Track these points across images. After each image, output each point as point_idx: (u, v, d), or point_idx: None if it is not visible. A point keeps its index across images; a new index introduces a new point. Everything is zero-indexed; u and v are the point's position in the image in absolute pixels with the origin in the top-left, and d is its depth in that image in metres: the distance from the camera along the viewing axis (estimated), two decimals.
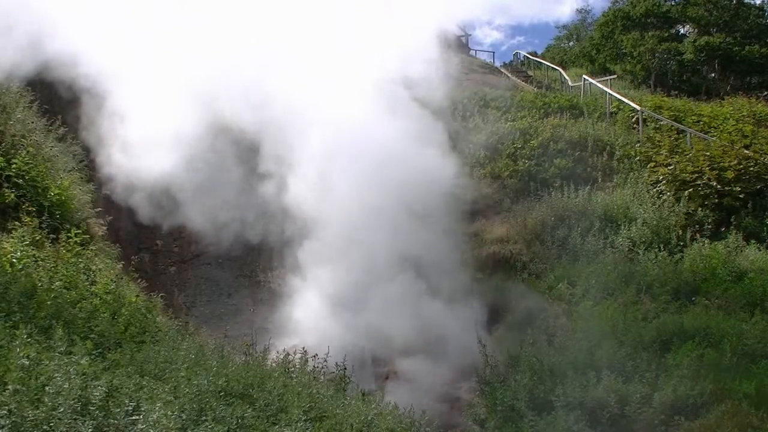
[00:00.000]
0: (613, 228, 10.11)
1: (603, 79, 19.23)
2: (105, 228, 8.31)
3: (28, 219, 6.32)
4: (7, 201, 6.55)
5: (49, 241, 6.40)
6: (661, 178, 11.19)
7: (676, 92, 21.02)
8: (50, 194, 7.11)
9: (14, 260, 5.37)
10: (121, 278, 6.97)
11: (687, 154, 11.32)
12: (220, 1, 10.75)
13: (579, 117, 14.97)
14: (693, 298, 7.79)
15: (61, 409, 3.40)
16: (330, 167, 9.67)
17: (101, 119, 9.97)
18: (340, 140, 9.68)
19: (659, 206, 10.36)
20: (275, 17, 10.45)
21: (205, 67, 9.94)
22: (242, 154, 10.55)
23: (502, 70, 24.58)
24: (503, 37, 70.62)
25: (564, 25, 42.59)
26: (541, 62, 25.18)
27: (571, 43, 38.36)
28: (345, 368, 6.94)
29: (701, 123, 13.87)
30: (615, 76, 22.00)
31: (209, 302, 10.40)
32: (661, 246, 9.11)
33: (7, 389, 3.40)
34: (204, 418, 4.06)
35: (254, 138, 10.26)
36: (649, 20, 26.96)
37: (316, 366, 6.80)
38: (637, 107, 14.22)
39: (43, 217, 6.57)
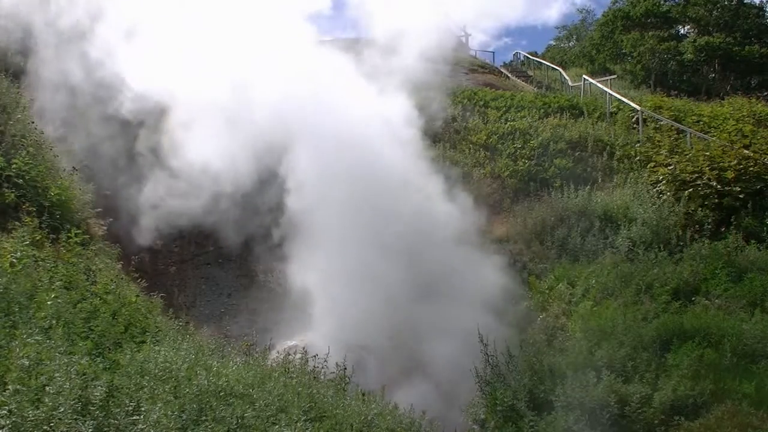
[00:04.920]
0: (613, 228, 10.11)
1: (603, 79, 19.22)
2: (105, 228, 8.31)
3: (28, 219, 6.31)
4: (7, 201, 6.55)
5: (49, 241, 6.40)
6: (661, 178, 11.18)
7: (676, 92, 21.02)
8: (50, 194, 7.11)
9: (14, 260, 5.37)
10: (121, 278, 6.97)
11: (687, 154, 11.31)
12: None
13: (579, 117, 14.98)
14: (693, 298, 7.79)
15: (62, 409, 3.40)
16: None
17: None
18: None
19: (659, 206, 10.35)
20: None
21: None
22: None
23: (502, 70, 24.59)
24: (490, 39, 70.93)
25: (564, 25, 42.60)
26: (541, 62, 25.18)
27: (571, 43, 38.38)
28: (345, 368, 6.94)
29: (701, 123, 13.86)
30: (615, 76, 22.00)
31: (209, 302, 10.40)
32: (661, 246, 9.10)
33: (8, 389, 3.40)
34: (204, 418, 4.06)
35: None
36: (649, 20, 26.95)
37: (316, 366, 6.81)
38: (637, 107, 14.22)
39: (43, 217, 6.57)
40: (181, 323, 6.75)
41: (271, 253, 10.37)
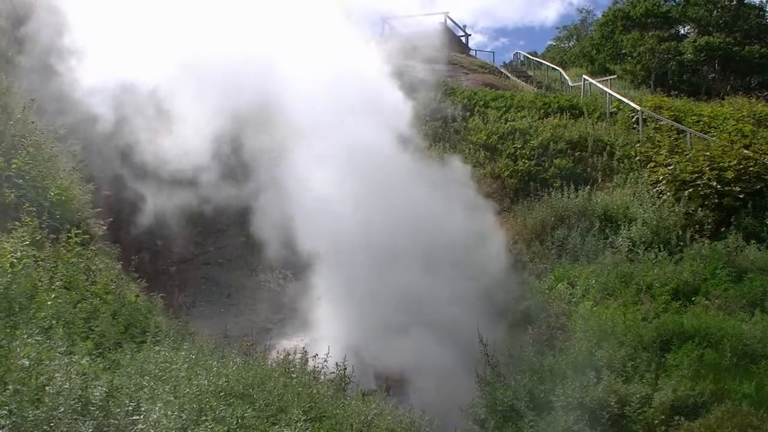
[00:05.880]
0: (613, 228, 10.11)
1: (603, 79, 19.22)
2: (105, 228, 8.30)
3: (28, 219, 6.31)
4: (7, 201, 6.55)
5: (49, 241, 6.40)
6: (661, 178, 11.19)
7: (676, 92, 21.03)
8: (50, 194, 7.11)
9: (14, 260, 5.37)
10: (121, 278, 6.97)
11: (687, 154, 11.31)
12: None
13: (579, 117, 14.97)
14: (693, 298, 7.79)
15: (62, 409, 3.40)
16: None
17: None
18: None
19: (659, 206, 10.36)
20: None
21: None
22: None
23: (502, 70, 24.58)
24: (487, 39, 71.00)
25: (564, 25, 42.61)
26: (541, 62, 25.18)
27: (571, 44, 38.39)
28: (345, 368, 6.94)
29: (701, 123, 13.86)
30: (615, 76, 21.99)
31: (209, 302, 10.40)
32: (661, 246, 9.11)
33: (8, 389, 3.40)
34: (204, 418, 4.06)
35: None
36: (649, 20, 26.99)
37: (316, 366, 6.82)
38: (637, 107, 14.22)
39: (43, 217, 6.57)
40: (181, 323, 6.76)
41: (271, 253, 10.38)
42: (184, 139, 9.73)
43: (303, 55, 10.23)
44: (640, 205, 10.59)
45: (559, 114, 14.97)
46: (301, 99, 9.79)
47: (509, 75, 23.19)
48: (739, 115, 14.26)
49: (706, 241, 9.11)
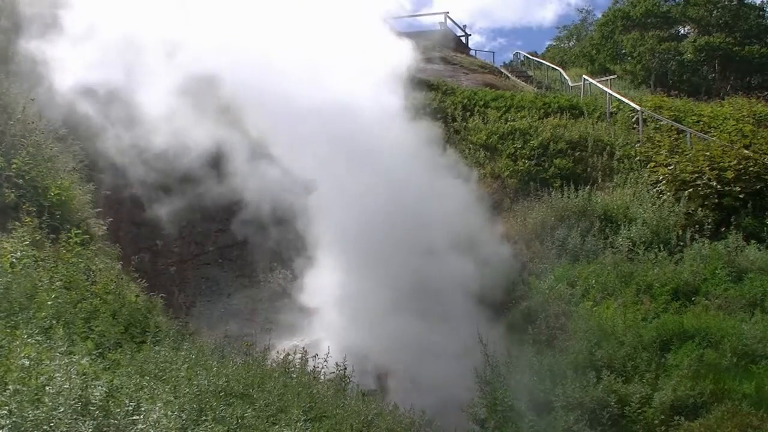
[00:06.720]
0: (613, 228, 10.11)
1: (603, 79, 19.21)
2: (105, 228, 8.30)
3: (28, 219, 6.31)
4: (7, 201, 6.55)
5: (49, 241, 6.40)
6: (661, 178, 11.19)
7: (676, 92, 21.01)
8: (50, 194, 7.11)
9: (14, 260, 5.37)
10: (121, 278, 6.97)
11: (687, 154, 11.31)
12: None
13: (579, 117, 14.96)
14: (693, 298, 7.79)
15: (62, 409, 3.40)
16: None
17: None
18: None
19: (659, 206, 10.35)
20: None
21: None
22: None
23: (502, 70, 24.56)
24: (485, 40, 70.82)
25: (565, 25, 42.61)
26: (541, 62, 25.16)
27: (571, 43, 38.40)
28: (345, 368, 6.95)
29: (701, 123, 13.85)
30: (615, 76, 21.98)
31: (209, 302, 10.41)
32: (661, 246, 9.11)
33: (8, 389, 3.40)
34: (204, 418, 4.07)
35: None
36: (649, 20, 27.00)
37: (316, 366, 6.82)
38: (637, 107, 14.21)
39: (43, 217, 6.57)
40: (180, 323, 6.76)
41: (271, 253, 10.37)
42: (178, 137, 9.72)
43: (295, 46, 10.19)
44: (640, 205, 10.59)
45: (559, 114, 14.94)
46: (293, 82, 9.73)
47: (509, 75, 23.17)
48: (739, 115, 14.24)
49: (706, 241, 9.11)
